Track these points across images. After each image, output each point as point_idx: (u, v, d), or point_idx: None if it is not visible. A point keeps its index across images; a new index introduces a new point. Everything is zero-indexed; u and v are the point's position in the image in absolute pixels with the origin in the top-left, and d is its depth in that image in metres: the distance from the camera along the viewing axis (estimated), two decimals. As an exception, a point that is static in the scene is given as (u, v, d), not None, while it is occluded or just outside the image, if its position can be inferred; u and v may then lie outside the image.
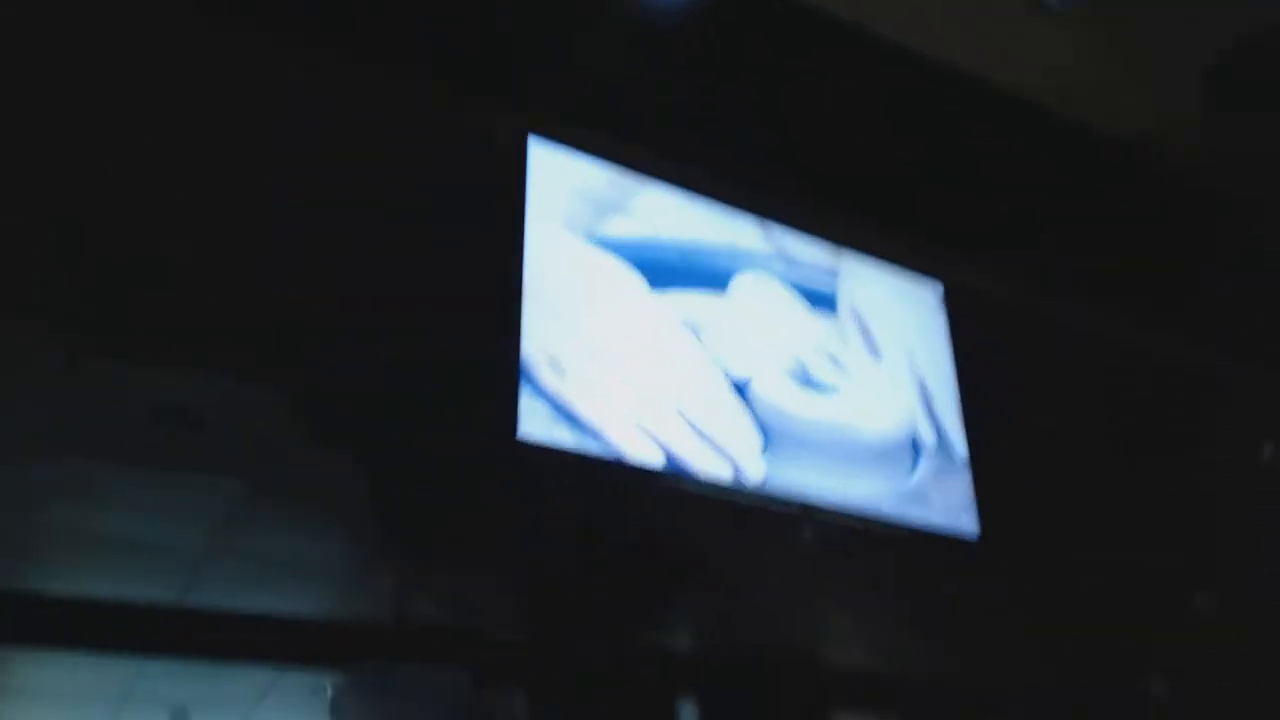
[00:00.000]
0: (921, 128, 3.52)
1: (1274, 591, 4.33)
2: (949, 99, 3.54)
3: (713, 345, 3.14)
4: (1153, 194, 4.04)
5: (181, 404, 2.59)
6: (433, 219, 2.74)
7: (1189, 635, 4.26)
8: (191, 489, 2.88)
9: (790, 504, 3.12)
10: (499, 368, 2.73)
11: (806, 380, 3.29)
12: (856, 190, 3.52)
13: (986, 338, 3.72)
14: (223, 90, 2.56)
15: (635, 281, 3.10)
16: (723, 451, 3.03)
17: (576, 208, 3.06)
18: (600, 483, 2.93)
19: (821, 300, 3.45)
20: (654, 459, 2.92)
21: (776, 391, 3.21)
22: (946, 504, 3.43)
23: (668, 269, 3.17)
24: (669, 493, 2.98)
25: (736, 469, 3.03)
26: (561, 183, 3.07)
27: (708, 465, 2.99)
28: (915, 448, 3.44)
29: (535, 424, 2.74)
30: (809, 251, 3.50)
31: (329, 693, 3.53)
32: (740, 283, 3.30)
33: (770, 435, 3.13)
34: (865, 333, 3.50)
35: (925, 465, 3.44)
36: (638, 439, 2.91)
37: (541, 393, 2.78)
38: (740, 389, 3.14)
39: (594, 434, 2.84)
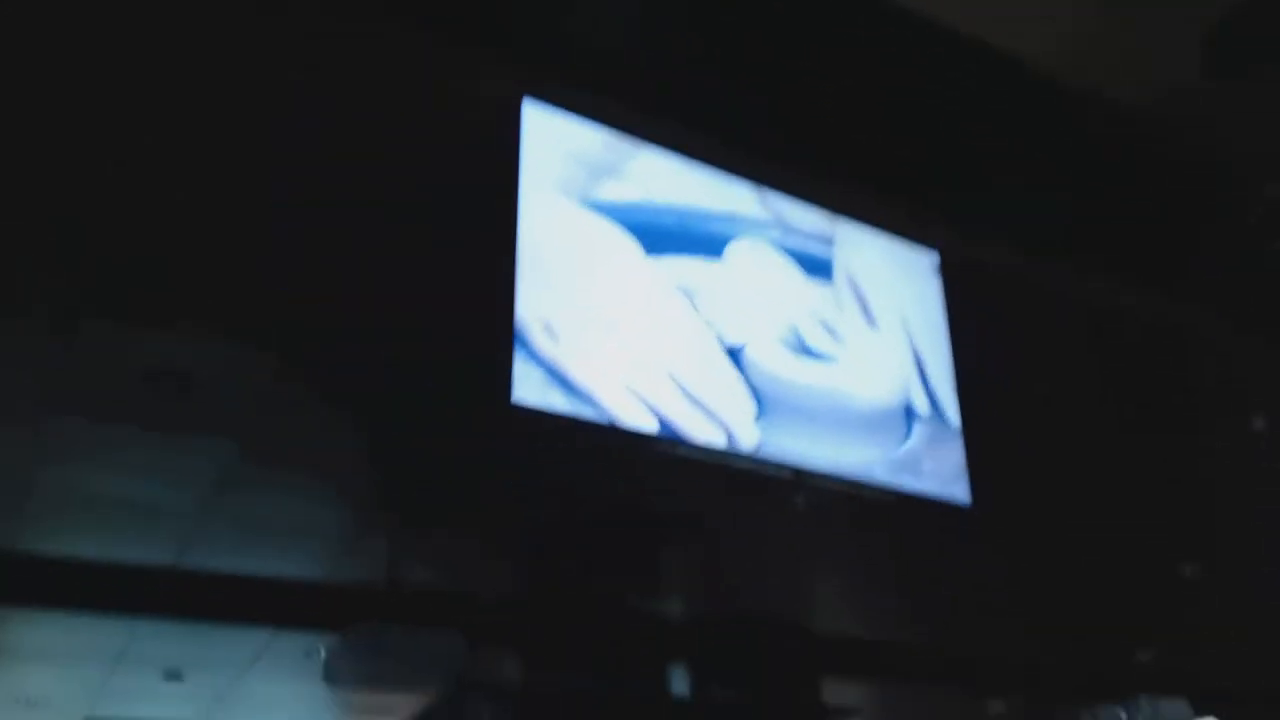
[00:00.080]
0: (919, 93, 3.49)
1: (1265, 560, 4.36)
2: (949, 64, 3.51)
3: (708, 311, 3.13)
4: (1152, 159, 4.02)
5: (175, 367, 2.59)
6: (429, 184, 2.71)
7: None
8: (184, 451, 2.88)
9: (783, 469, 3.13)
10: (494, 333, 2.72)
11: (801, 347, 3.29)
12: (852, 155, 3.49)
13: (981, 305, 3.71)
14: (214, 49, 2.52)
15: (631, 246, 3.08)
16: (716, 417, 3.03)
17: (571, 171, 3.04)
18: (594, 448, 2.93)
19: (817, 267, 3.44)
20: (648, 424, 2.92)
21: (771, 358, 3.20)
22: (939, 471, 3.44)
23: (663, 234, 3.15)
24: (662, 458, 2.98)
25: (730, 435, 3.03)
26: (557, 146, 3.04)
27: (701, 431, 2.99)
28: (909, 415, 3.45)
29: (529, 389, 2.74)
30: (805, 218, 3.48)
31: (322, 655, 3.55)
32: (736, 249, 3.28)
33: (764, 401, 3.13)
34: (861, 300, 3.49)
35: (918, 433, 3.44)
36: (631, 404, 2.91)
37: (536, 358, 2.77)
38: (735, 355, 3.13)
39: (588, 399, 2.83)
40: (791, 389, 3.20)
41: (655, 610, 4.03)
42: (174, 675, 4.20)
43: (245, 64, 2.49)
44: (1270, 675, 4.72)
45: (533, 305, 2.80)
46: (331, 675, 3.47)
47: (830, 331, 3.36)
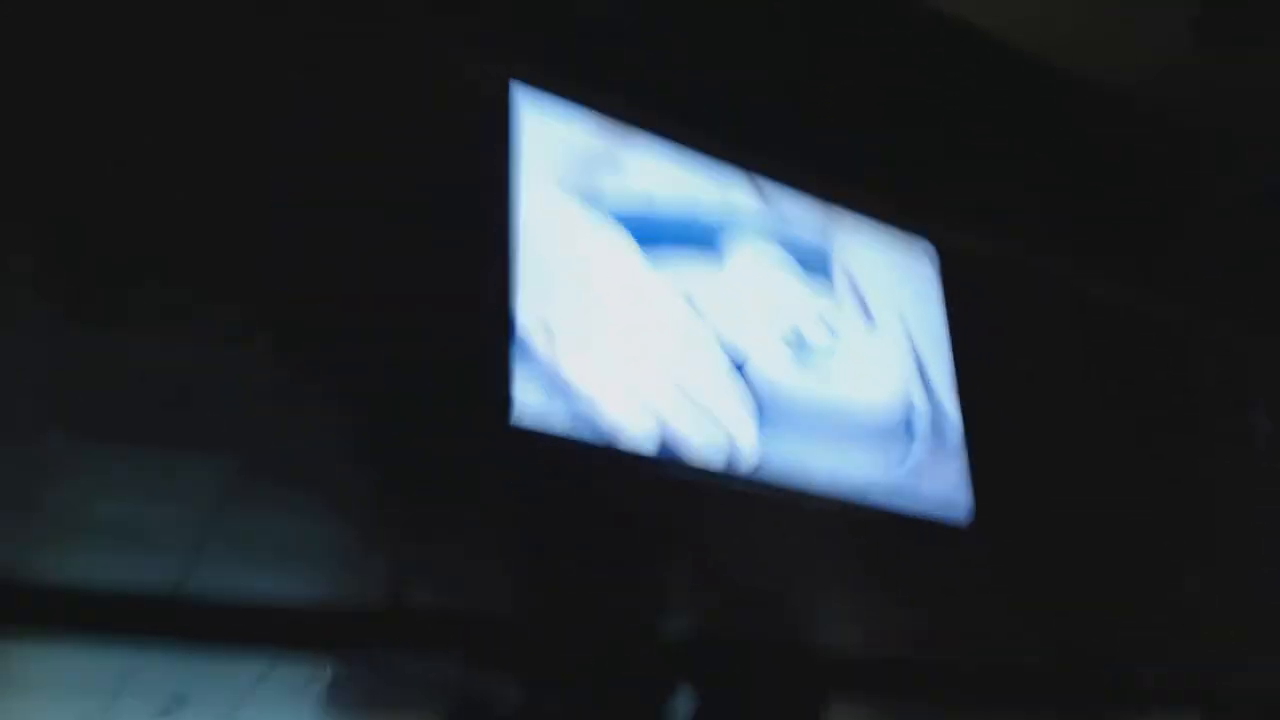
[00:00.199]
0: (911, 79, 3.50)
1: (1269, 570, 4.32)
2: (949, 62, 3.51)
3: (707, 310, 3.11)
4: (1149, 145, 4.01)
5: (173, 381, 2.58)
6: (425, 183, 2.72)
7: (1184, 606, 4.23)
8: (183, 470, 2.86)
9: (785, 486, 3.11)
10: (493, 339, 2.72)
11: (802, 347, 3.27)
12: (849, 149, 3.50)
13: (981, 303, 3.70)
14: (214, 49, 2.54)
15: (627, 243, 3.07)
16: (717, 425, 3.01)
17: (567, 165, 3.04)
18: (595, 466, 2.92)
19: (816, 265, 3.42)
20: (648, 436, 2.90)
21: (772, 363, 3.19)
22: (941, 477, 3.41)
23: (661, 230, 3.14)
24: (663, 477, 2.97)
25: (731, 443, 3.01)
26: (552, 139, 3.03)
27: (702, 439, 2.97)
28: (910, 421, 3.42)
29: (529, 398, 2.73)
30: (804, 214, 3.47)
31: (323, 679, 3.53)
32: (735, 245, 3.27)
33: (765, 408, 3.11)
34: (860, 300, 3.48)
35: (920, 436, 3.42)
36: (631, 412, 2.89)
37: (535, 364, 2.76)
38: (735, 356, 3.11)
39: (588, 407, 2.82)
40: (793, 395, 3.19)
41: (658, 628, 3.99)
42: (174, 705, 4.15)
43: (245, 64, 2.51)
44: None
45: (532, 307, 2.79)
46: (334, 698, 3.45)
47: (831, 334, 3.34)
